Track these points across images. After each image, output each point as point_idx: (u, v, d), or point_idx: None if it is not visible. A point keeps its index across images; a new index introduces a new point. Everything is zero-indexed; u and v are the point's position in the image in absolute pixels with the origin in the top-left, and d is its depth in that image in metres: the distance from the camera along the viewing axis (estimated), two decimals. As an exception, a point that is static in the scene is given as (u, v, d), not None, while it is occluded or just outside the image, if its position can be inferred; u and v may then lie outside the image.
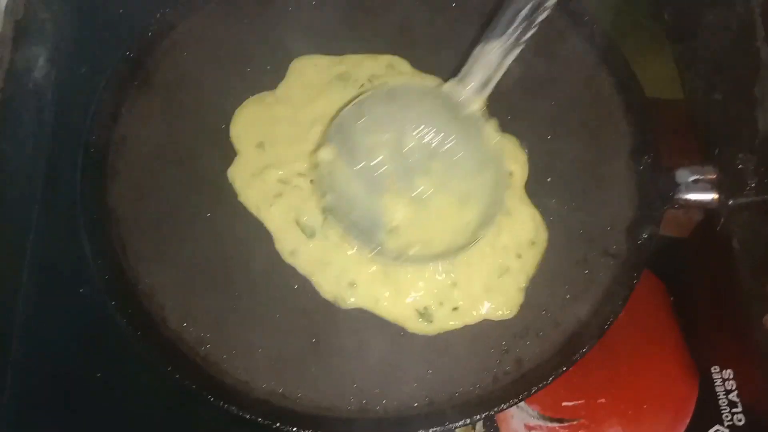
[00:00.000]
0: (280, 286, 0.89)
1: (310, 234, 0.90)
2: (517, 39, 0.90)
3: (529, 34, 0.90)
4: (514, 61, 0.94)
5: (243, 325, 0.87)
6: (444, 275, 0.88)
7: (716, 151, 0.93)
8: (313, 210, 0.91)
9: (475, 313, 0.87)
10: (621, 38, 1.03)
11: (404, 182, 0.91)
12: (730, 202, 0.88)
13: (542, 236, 0.91)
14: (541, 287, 0.90)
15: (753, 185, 0.88)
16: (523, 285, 0.89)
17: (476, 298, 0.88)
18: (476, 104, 0.90)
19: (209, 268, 0.89)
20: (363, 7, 1.04)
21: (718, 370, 0.97)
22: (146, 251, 0.91)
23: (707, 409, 0.95)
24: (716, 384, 0.96)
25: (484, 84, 0.90)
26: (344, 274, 0.88)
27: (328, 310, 0.88)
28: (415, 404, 0.84)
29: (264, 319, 0.87)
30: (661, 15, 1.22)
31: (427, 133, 0.93)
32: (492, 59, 0.90)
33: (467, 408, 0.83)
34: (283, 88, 0.99)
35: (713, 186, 0.90)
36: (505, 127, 0.95)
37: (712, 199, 0.90)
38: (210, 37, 1.03)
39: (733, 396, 0.95)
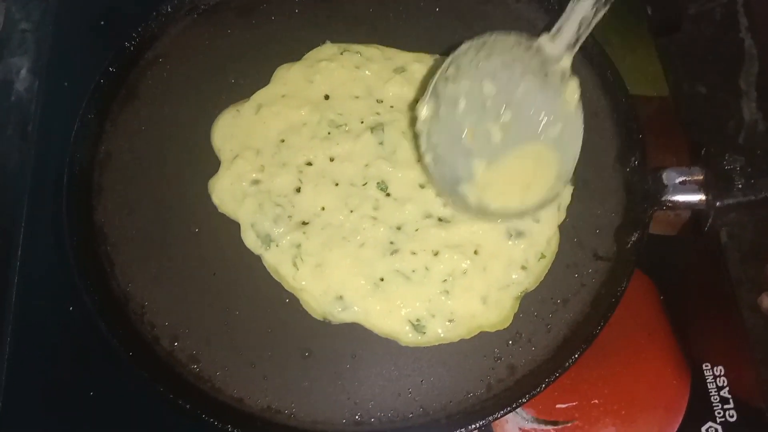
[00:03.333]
0: (271, 301, 0.88)
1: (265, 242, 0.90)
2: None
3: None
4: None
5: (235, 342, 0.87)
6: (438, 286, 0.88)
7: (703, 151, 0.92)
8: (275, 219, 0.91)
9: (471, 325, 0.87)
10: (604, 35, 1.03)
11: (481, 130, 0.88)
12: (718, 204, 0.88)
13: (552, 249, 0.91)
14: (532, 292, 0.90)
15: (740, 186, 0.88)
16: (519, 294, 0.89)
17: (472, 311, 0.87)
18: (566, 60, 0.88)
19: (199, 285, 0.89)
20: (343, 12, 1.04)
21: (709, 366, 0.97)
22: (135, 269, 0.90)
23: (700, 406, 0.95)
24: (708, 381, 0.97)
25: (576, 40, 0.88)
26: (330, 288, 0.88)
27: (319, 323, 0.87)
28: (410, 415, 0.84)
29: (255, 334, 0.87)
30: (643, 9, 1.22)
31: (508, 81, 0.89)
32: (585, 15, 0.87)
33: (462, 417, 0.83)
34: (258, 96, 0.98)
35: (701, 187, 0.90)
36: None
37: (700, 201, 0.90)
38: (192, 49, 1.02)
39: (724, 392, 0.96)
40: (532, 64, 0.89)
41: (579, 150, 0.88)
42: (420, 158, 0.90)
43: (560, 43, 0.88)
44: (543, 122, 0.88)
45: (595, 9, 0.86)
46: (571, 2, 0.87)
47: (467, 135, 0.88)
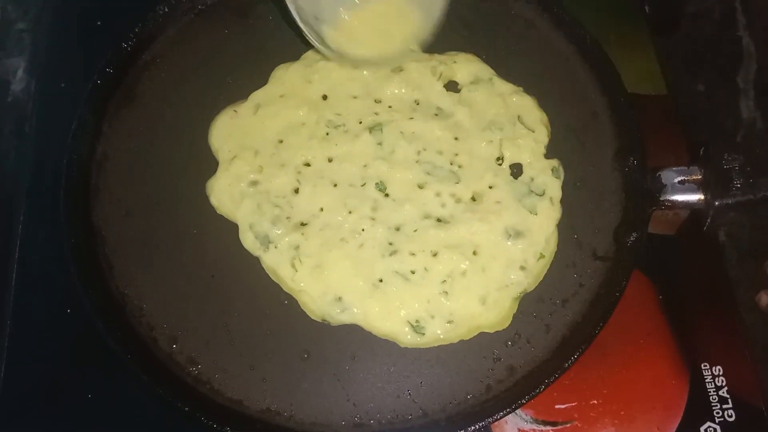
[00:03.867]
0: (269, 302, 0.88)
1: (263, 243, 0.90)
2: None
3: None
4: (497, 64, 0.96)
5: (233, 344, 0.87)
6: (437, 287, 0.88)
7: (701, 150, 0.92)
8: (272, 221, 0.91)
9: (470, 326, 0.87)
10: (602, 34, 1.03)
11: None
12: (716, 203, 0.88)
13: (551, 249, 0.91)
14: (531, 292, 0.90)
15: (739, 185, 0.88)
16: (518, 294, 0.89)
17: (472, 311, 0.87)
18: None
19: (197, 286, 0.89)
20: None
21: (708, 366, 0.97)
22: (133, 271, 0.90)
23: (698, 406, 0.95)
24: (707, 381, 0.96)
25: None
26: (329, 289, 0.88)
27: (318, 325, 0.87)
28: (409, 417, 0.84)
29: (254, 336, 0.87)
30: (641, 8, 1.22)
31: None
32: None
33: (461, 419, 0.83)
34: (256, 96, 0.98)
35: (699, 187, 0.90)
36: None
37: (699, 200, 0.90)
38: (190, 49, 1.02)
39: (723, 392, 0.96)
40: None
41: (439, 16, 0.93)
42: None
43: None
44: None
45: None
46: None
47: None
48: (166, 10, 1.02)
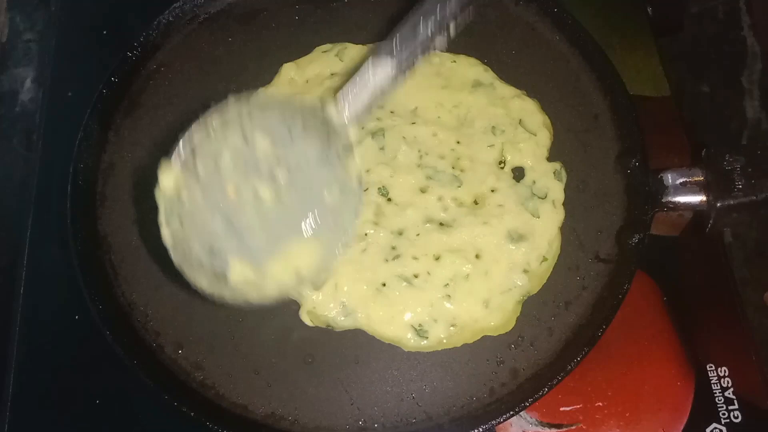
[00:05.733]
0: (274, 308, 0.88)
1: None
2: (410, 62, 0.76)
3: (424, 56, 0.76)
4: (499, 68, 0.96)
5: (238, 349, 0.87)
6: (440, 291, 0.88)
7: (703, 152, 0.92)
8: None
9: (473, 330, 0.87)
10: (605, 36, 1.03)
11: (247, 188, 0.74)
12: (718, 204, 0.88)
13: (554, 252, 0.91)
14: (534, 295, 0.90)
15: (740, 186, 0.88)
16: (521, 298, 0.89)
17: (475, 315, 0.87)
18: (347, 130, 0.76)
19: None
20: (342, 18, 1.05)
21: (713, 367, 0.97)
22: (139, 278, 0.91)
23: (704, 408, 0.95)
24: (712, 382, 0.96)
25: (364, 109, 0.76)
26: (333, 294, 0.88)
27: (322, 329, 0.88)
28: (413, 420, 0.85)
29: (259, 341, 0.88)
30: (644, 9, 1.22)
31: (284, 139, 0.76)
32: (378, 83, 0.75)
33: (465, 422, 0.84)
34: None
35: (701, 188, 0.90)
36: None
37: (701, 202, 0.90)
38: (193, 57, 1.03)
39: (729, 393, 0.96)
40: (313, 123, 0.76)
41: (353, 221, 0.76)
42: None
43: (344, 111, 0.76)
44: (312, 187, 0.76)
45: (390, 81, 0.75)
46: (366, 67, 0.76)
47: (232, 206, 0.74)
48: (171, 19, 1.03)
